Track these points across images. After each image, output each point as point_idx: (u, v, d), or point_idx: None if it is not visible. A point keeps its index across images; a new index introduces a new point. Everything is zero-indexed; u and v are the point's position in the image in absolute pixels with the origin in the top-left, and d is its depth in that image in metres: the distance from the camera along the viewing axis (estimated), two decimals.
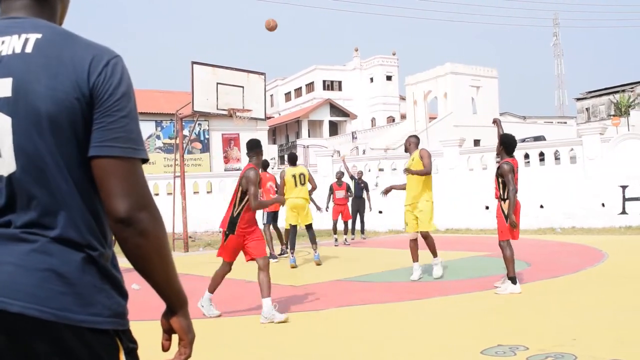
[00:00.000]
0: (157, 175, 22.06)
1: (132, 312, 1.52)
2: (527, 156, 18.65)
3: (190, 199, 17.52)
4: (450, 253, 11.61)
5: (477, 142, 41.62)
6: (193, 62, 14.56)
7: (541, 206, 17.62)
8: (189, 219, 15.64)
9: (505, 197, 7.43)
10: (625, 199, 16.53)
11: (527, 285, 7.82)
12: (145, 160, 1.44)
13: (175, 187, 15.91)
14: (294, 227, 11.42)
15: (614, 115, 50.39)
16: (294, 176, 11.22)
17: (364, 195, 16.39)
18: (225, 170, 28.90)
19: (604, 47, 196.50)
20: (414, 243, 8.78)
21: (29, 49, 1.36)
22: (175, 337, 1.59)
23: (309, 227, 11.44)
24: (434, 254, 8.83)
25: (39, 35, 1.38)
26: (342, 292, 8.08)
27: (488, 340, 4.84)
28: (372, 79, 67.67)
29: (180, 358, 1.57)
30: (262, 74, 16.11)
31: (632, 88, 68.06)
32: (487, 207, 18.13)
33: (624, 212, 16.48)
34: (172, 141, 27.64)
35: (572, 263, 9.78)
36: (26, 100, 1.34)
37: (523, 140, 33.65)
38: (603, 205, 16.72)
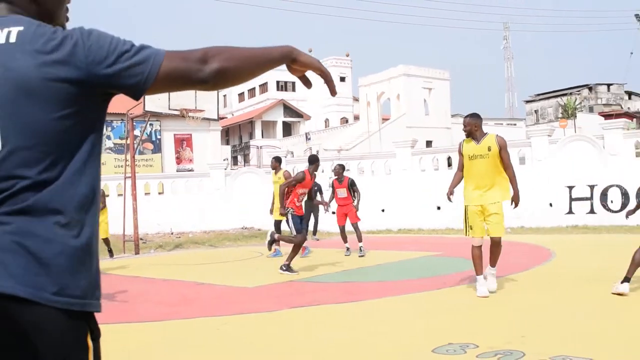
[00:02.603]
0: (108, 176, 21.66)
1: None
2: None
3: (141, 200, 17.26)
4: (403, 253, 11.72)
5: (429, 144, 42.08)
6: None
7: None
8: (140, 221, 15.41)
9: None
10: (571, 199, 16.93)
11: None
12: None
13: (126, 188, 15.67)
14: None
15: (561, 118, 51.62)
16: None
17: (318, 197, 16.39)
18: (177, 171, 28.56)
19: (552, 51, 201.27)
20: (479, 251, 7.22)
21: (12, 39, 1.45)
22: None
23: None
24: (495, 263, 7.34)
25: (21, 28, 1.47)
26: (295, 292, 8.06)
27: (439, 339, 4.89)
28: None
29: (330, 84, 1.76)
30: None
31: (578, 91, 69.86)
32: (438, 208, 18.35)
33: (570, 212, 16.88)
34: (123, 141, 27.16)
35: (521, 262, 9.96)
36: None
37: None
38: (551, 205, 17.09)
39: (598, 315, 5.75)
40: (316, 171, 10.30)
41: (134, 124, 16.45)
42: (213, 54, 1.53)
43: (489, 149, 7.04)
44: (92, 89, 1.45)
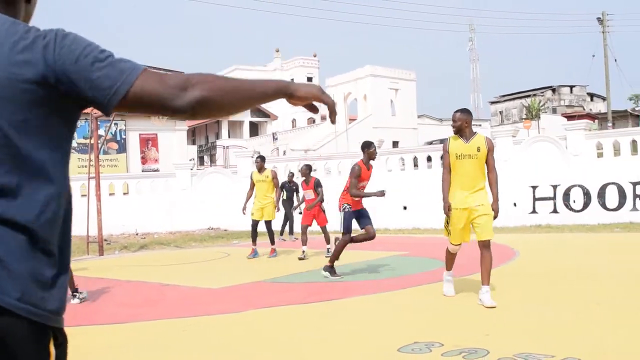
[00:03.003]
0: (71, 177, 21.23)
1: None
2: (442, 158, 19.11)
3: (105, 200, 17.04)
4: (369, 253, 11.75)
5: (395, 144, 42.37)
6: None
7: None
8: (104, 222, 15.21)
9: None
10: (535, 199, 17.18)
11: (442, 283, 7.98)
12: None
13: (90, 188, 15.45)
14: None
15: (525, 119, 52.43)
16: None
17: (294, 197, 16.39)
18: (142, 171, 28.24)
19: (517, 53, 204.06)
20: (453, 257, 7.26)
21: None
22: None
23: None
24: (488, 279, 6.62)
25: None
26: (262, 293, 8.03)
27: (405, 338, 4.91)
28: (292, 80, 67.51)
29: (332, 114, 1.65)
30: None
31: (542, 92, 71.06)
32: (405, 208, 18.49)
33: (534, 211, 17.13)
34: (87, 141, 26.78)
35: None
36: None
37: (430, 143, 34.66)
38: (515, 205, 17.31)
39: (561, 314, 5.84)
40: (372, 159, 9.00)
41: (98, 123, 16.23)
42: (195, 82, 1.45)
43: (478, 150, 6.54)
44: (58, 94, 1.39)
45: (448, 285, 7.02)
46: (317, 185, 11.95)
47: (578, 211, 16.40)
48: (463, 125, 6.64)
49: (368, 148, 8.95)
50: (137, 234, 19.75)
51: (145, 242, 17.37)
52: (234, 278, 9.39)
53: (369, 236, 8.96)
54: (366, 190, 9.00)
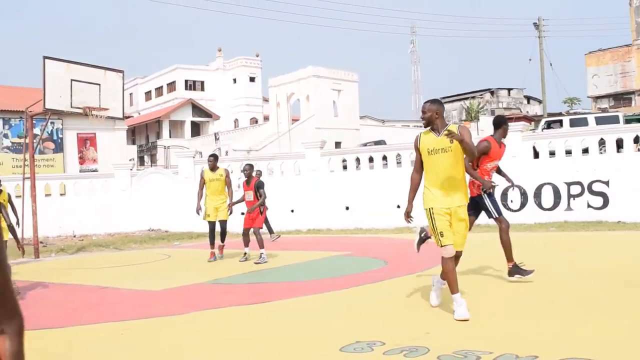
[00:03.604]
0: (5, 177, 20.64)
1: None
2: (384, 158, 19.32)
3: (41, 202, 16.59)
4: (312, 253, 11.77)
5: (338, 145, 42.57)
6: (45, 57, 13.84)
7: (398, 206, 18.28)
8: (40, 223, 14.79)
9: None
10: None
11: (384, 282, 8.08)
12: None
13: (25, 189, 15.01)
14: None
15: (465, 120, 53.61)
16: None
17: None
18: (80, 172, 27.59)
19: (457, 55, 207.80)
20: (453, 263, 6.05)
21: None
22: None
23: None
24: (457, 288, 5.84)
25: None
26: (203, 295, 7.94)
27: (347, 338, 4.93)
28: (235, 80, 67.48)
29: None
30: (120, 71, 15.59)
31: (481, 95, 72.72)
32: (347, 208, 18.59)
33: None
34: (22, 140, 26.04)
35: (426, 260, 10.19)
36: None
37: (365, 144, 35.06)
38: None
39: (498, 310, 5.96)
40: (504, 137, 7.84)
41: (34, 122, 15.78)
42: None
43: (452, 141, 5.67)
44: None
45: (460, 306, 5.61)
46: (259, 187, 11.38)
47: (515, 211, 16.79)
48: (433, 116, 5.83)
49: (504, 124, 7.84)
50: (74, 236, 19.28)
51: (83, 245, 16.96)
52: (175, 280, 9.26)
53: (503, 227, 7.96)
54: (495, 174, 7.95)
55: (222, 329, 5.79)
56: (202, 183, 11.98)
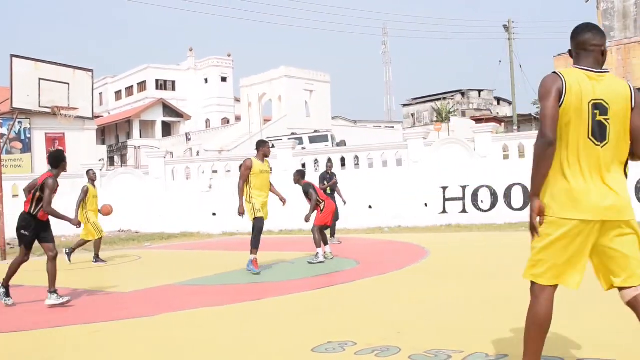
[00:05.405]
0: None
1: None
2: (356, 158, 19.40)
3: (8, 202, 16.29)
4: (283, 254, 11.74)
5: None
6: (12, 55, 13.62)
7: (370, 207, 18.35)
8: (7, 225, 14.52)
9: None
10: (445, 199, 17.67)
11: (356, 283, 8.09)
12: None
13: None
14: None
15: (436, 121, 53.95)
16: None
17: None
18: None
19: (428, 57, 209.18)
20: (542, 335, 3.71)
21: None
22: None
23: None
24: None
25: None
26: (173, 296, 7.87)
27: (318, 338, 4.92)
28: (206, 80, 67.15)
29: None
30: (89, 70, 15.42)
31: (452, 96, 73.29)
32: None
33: (444, 211, 17.60)
34: None
35: (398, 260, 10.26)
36: None
37: (339, 144, 35.07)
38: (426, 205, 17.74)
39: (470, 310, 6.00)
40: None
41: (1, 121, 15.53)
42: None
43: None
44: None
45: None
46: (306, 191, 11.15)
47: (486, 211, 16.97)
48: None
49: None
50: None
51: None
52: (146, 281, 9.17)
53: None
54: None
55: (192, 331, 5.74)
56: (247, 175, 9.52)
